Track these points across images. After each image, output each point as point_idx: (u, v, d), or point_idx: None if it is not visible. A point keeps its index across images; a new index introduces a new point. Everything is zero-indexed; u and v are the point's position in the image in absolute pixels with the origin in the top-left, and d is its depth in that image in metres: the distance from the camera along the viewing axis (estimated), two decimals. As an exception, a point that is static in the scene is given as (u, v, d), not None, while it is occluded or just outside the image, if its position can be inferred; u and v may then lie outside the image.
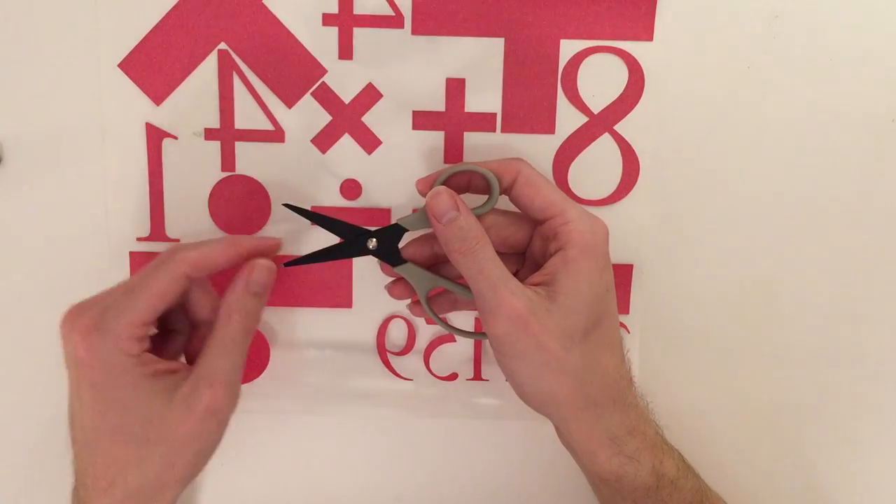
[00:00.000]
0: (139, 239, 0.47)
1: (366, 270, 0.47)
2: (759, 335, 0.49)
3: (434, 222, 0.39)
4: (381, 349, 0.49)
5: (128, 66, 0.45)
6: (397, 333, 0.49)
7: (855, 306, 0.49)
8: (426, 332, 0.49)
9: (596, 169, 0.46)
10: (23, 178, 0.46)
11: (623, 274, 0.48)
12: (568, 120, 0.46)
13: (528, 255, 0.43)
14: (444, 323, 0.44)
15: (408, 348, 0.49)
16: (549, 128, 0.46)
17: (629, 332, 0.48)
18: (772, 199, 0.47)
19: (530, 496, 0.51)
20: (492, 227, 0.42)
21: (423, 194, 0.40)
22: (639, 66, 0.45)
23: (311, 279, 0.48)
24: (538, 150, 0.46)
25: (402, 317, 0.48)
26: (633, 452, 0.40)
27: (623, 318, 0.48)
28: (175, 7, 0.44)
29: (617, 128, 0.46)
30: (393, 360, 0.49)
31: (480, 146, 0.46)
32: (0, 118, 0.45)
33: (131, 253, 0.47)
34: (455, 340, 0.49)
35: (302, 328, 0.48)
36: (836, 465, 0.51)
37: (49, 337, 0.48)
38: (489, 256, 0.38)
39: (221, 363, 0.39)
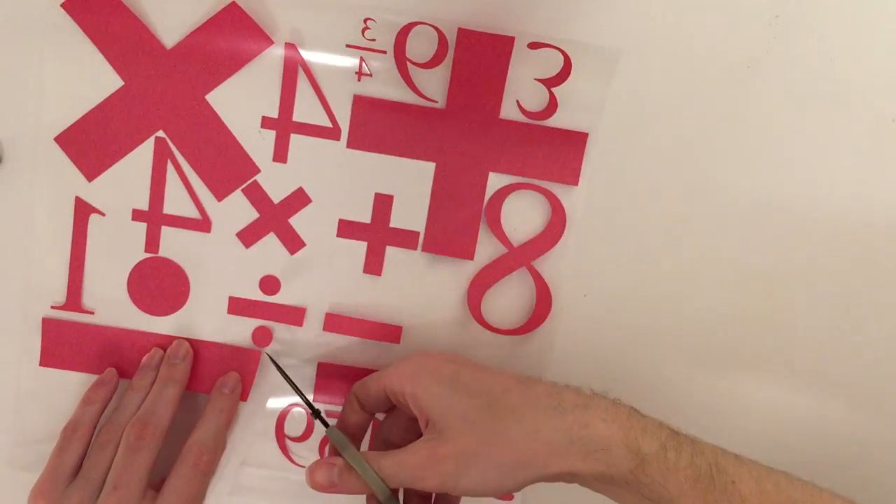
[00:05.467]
0: (54, 307, 0.47)
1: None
2: (758, 335, 0.49)
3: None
4: (280, 439, 0.49)
5: (64, 140, 0.45)
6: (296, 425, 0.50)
7: (854, 306, 0.49)
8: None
9: (509, 300, 0.48)
10: (23, 178, 0.46)
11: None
12: (487, 249, 0.47)
13: None
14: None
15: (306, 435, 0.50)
16: (468, 254, 0.47)
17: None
18: (771, 200, 0.47)
19: (530, 493, 0.48)
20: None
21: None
22: (562, 207, 0.46)
23: (214, 367, 0.48)
24: (455, 274, 0.47)
25: (299, 405, 0.49)
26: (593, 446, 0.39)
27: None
28: (119, 90, 0.45)
29: (535, 263, 0.47)
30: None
31: (400, 262, 0.47)
32: (0, 118, 0.45)
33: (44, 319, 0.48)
34: None
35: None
36: (841, 463, 0.51)
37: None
38: (376, 477, 0.40)
39: None
